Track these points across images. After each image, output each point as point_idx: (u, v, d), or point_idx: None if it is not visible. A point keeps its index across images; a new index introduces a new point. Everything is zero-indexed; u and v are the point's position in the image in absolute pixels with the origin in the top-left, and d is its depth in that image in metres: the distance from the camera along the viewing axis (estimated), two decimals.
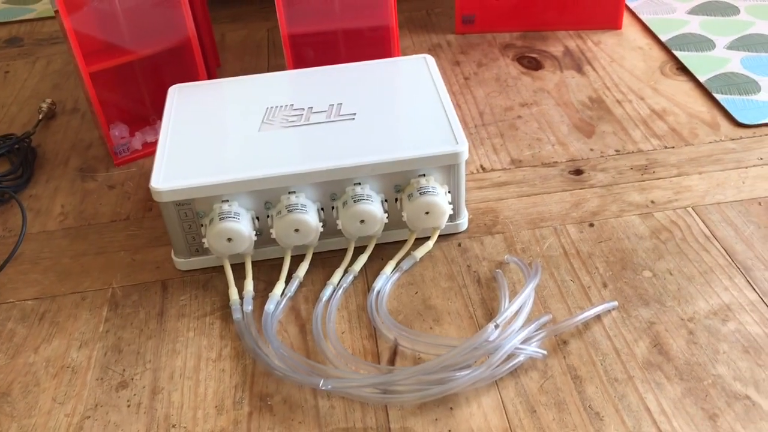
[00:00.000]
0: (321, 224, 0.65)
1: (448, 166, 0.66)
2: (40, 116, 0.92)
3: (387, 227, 0.67)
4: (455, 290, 0.64)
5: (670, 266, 0.65)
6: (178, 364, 0.60)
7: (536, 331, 0.58)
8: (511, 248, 0.68)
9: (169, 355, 0.60)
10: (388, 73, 0.78)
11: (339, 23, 0.86)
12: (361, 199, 0.64)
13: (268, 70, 1.00)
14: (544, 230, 0.70)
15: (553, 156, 0.79)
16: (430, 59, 0.78)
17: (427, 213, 0.65)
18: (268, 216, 0.66)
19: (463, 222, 0.70)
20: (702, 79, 0.89)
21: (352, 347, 0.60)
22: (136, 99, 0.86)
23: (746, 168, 0.75)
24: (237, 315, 0.62)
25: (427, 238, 0.68)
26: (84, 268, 0.70)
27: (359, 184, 0.66)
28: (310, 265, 0.66)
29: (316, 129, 0.69)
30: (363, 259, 0.67)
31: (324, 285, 0.65)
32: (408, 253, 0.67)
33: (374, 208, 0.65)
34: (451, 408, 0.55)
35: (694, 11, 1.05)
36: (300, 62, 0.85)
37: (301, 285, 0.66)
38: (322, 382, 0.54)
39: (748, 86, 0.87)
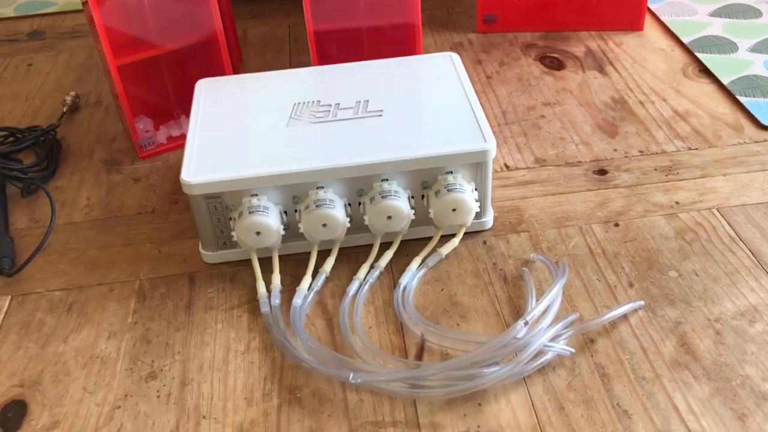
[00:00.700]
0: (348, 219, 0.66)
1: (475, 164, 0.66)
2: (65, 109, 0.92)
3: (413, 224, 0.67)
4: (481, 287, 0.65)
5: (696, 267, 0.65)
6: (207, 355, 0.60)
7: (564, 329, 0.59)
8: (537, 247, 0.68)
9: (198, 347, 0.61)
10: (414, 70, 0.78)
11: (363, 20, 0.86)
12: (388, 196, 0.65)
13: (290, 66, 1.01)
14: (569, 229, 0.70)
15: (576, 156, 0.80)
16: (456, 57, 0.79)
17: (454, 210, 0.66)
18: (296, 210, 0.66)
19: (489, 220, 0.70)
20: (725, 81, 0.90)
21: (379, 342, 0.60)
22: (160, 93, 0.86)
23: None
24: (265, 308, 0.62)
25: (453, 236, 0.68)
26: (111, 259, 0.70)
27: (386, 180, 0.66)
28: (336, 260, 0.67)
29: (343, 125, 0.69)
30: (389, 254, 0.67)
31: (350, 280, 0.65)
32: (434, 250, 0.68)
33: (401, 204, 0.65)
34: (479, 404, 0.55)
35: (716, 13, 1.05)
36: (324, 59, 0.86)
37: (327, 280, 0.66)
38: (351, 375, 0.55)
39: None
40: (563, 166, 0.78)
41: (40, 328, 0.64)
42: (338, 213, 0.64)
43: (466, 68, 0.95)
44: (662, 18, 1.05)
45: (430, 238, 0.69)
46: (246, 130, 0.70)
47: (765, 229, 0.68)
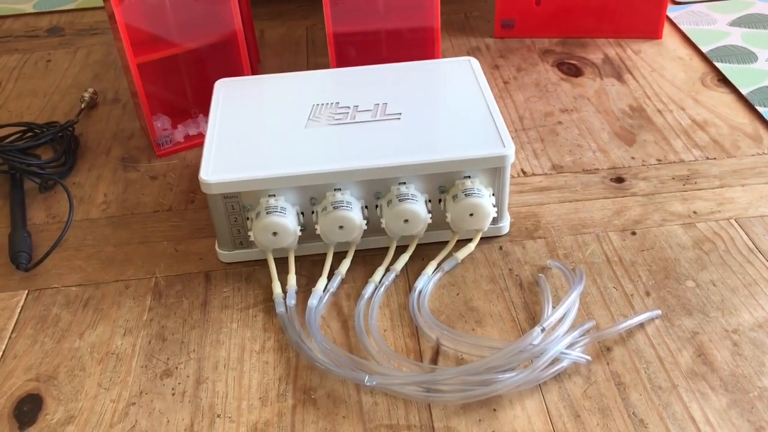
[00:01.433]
0: (365, 222, 0.66)
1: (493, 169, 0.66)
2: (82, 105, 0.93)
3: (429, 227, 0.67)
4: (497, 293, 0.64)
5: (714, 277, 0.65)
6: (222, 354, 0.60)
7: (580, 336, 0.58)
8: (553, 253, 0.68)
9: (213, 346, 0.61)
10: (433, 74, 0.78)
11: (382, 23, 0.86)
12: (406, 199, 0.65)
13: (308, 68, 1.01)
14: (586, 236, 0.70)
15: (594, 163, 0.79)
16: (474, 61, 0.79)
17: (471, 215, 0.66)
18: (313, 212, 0.66)
19: (505, 225, 0.70)
20: (744, 91, 0.89)
21: (394, 345, 0.60)
22: (179, 91, 0.87)
23: None
24: (280, 308, 0.62)
25: (469, 240, 0.68)
26: (127, 256, 0.71)
27: (404, 183, 0.66)
28: (351, 262, 0.67)
29: (362, 127, 0.69)
30: (405, 258, 0.67)
31: (365, 282, 0.65)
32: (450, 254, 0.68)
33: (419, 207, 0.65)
34: (494, 409, 0.55)
35: (735, 23, 1.05)
36: (343, 61, 0.86)
37: (342, 282, 0.66)
38: (367, 377, 0.55)
39: None
40: (580, 173, 0.78)
41: (56, 323, 0.64)
42: (355, 215, 0.64)
43: (483, 73, 0.96)
44: (681, 26, 1.04)
45: (446, 243, 0.69)
46: (264, 130, 0.70)
47: None
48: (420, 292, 0.64)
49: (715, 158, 0.79)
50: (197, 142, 0.85)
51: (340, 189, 0.65)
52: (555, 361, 0.56)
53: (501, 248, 0.69)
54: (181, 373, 0.59)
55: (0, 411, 0.56)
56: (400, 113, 0.71)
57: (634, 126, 0.85)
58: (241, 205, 0.65)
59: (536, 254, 0.68)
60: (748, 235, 0.69)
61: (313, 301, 0.63)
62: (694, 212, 0.72)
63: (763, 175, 0.76)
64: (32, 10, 1.21)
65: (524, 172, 0.79)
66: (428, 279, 0.65)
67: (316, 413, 0.55)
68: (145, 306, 0.65)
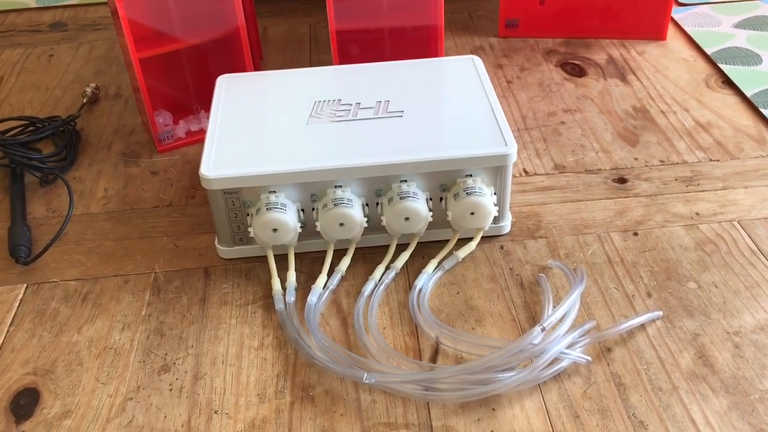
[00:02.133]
0: (365, 219, 0.65)
1: (495, 168, 0.66)
2: (84, 100, 0.93)
3: (430, 226, 0.67)
4: (497, 292, 0.64)
5: (716, 279, 0.64)
6: (221, 350, 0.60)
7: (580, 337, 0.58)
8: (554, 253, 0.68)
9: (212, 342, 0.61)
10: (436, 72, 0.78)
11: (386, 21, 0.86)
12: (407, 197, 0.64)
13: (310, 65, 1.01)
14: (587, 237, 0.69)
15: (596, 163, 0.79)
16: (478, 60, 0.78)
17: (472, 213, 0.65)
18: (313, 209, 0.66)
19: (507, 224, 0.70)
20: (748, 93, 0.89)
21: (393, 343, 0.60)
22: (180, 87, 0.86)
23: None
24: (279, 305, 0.62)
25: (470, 239, 0.68)
26: (127, 251, 0.70)
27: (405, 181, 0.66)
28: (351, 259, 0.66)
29: (363, 125, 0.69)
30: (405, 256, 0.67)
31: (365, 280, 0.65)
32: (450, 253, 0.67)
33: (420, 206, 0.65)
34: (493, 409, 0.54)
35: (740, 25, 1.04)
36: (345, 58, 0.86)
37: (342, 279, 0.66)
38: (365, 375, 0.54)
39: None
40: (583, 173, 0.78)
41: (55, 317, 0.64)
42: (356, 212, 0.64)
43: (486, 72, 0.95)
44: (686, 28, 1.04)
45: (447, 241, 0.68)
46: (266, 126, 0.70)
47: None
48: (420, 290, 0.64)
49: (718, 160, 0.79)
50: (198, 137, 0.85)
51: (341, 186, 0.65)
52: (555, 361, 0.56)
53: (502, 247, 0.69)
54: (179, 369, 0.59)
55: None
56: (402, 111, 0.70)
57: (637, 127, 0.84)
58: (242, 201, 0.65)
59: (537, 254, 0.68)
60: (750, 237, 0.68)
61: (312, 298, 0.62)
62: (697, 214, 0.71)
63: (766, 178, 0.76)
64: (35, 5, 1.21)
65: (526, 172, 0.78)
66: (428, 277, 0.65)
67: (314, 410, 0.55)
68: (143, 301, 0.65)
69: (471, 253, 0.67)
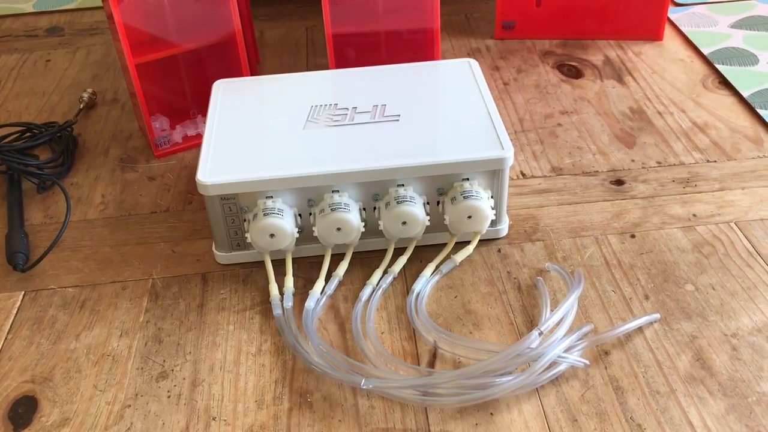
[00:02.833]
0: (363, 224, 0.65)
1: (492, 171, 0.66)
2: (81, 106, 0.93)
3: (427, 230, 0.67)
4: (495, 296, 0.64)
5: (713, 281, 0.64)
6: (218, 357, 0.60)
7: (578, 340, 0.58)
8: (552, 256, 0.68)
9: (209, 348, 0.61)
10: (432, 75, 0.78)
11: (382, 24, 0.86)
12: (404, 201, 0.64)
13: (307, 68, 1.01)
14: (585, 239, 0.69)
15: (593, 165, 0.79)
16: (474, 63, 0.78)
17: (469, 217, 0.65)
18: (310, 214, 0.66)
19: (504, 228, 0.70)
20: (745, 94, 0.89)
21: (391, 348, 0.60)
22: (177, 92, 0.86)
23: None
24: (277, 311, 0.62)
25: (467, 243, 0.68)
26: (124, 257, 0.70)
27: (402, 185, 0.66)
28: (349, 264, 0.66)
29: (360, 129, 0.69)
30: (402, 260, 0.67)
31: (363, 285, 0.65)
32: (448, 257, 0.67)
33: (417, 210, 0.65)
34: (491, 413, 0.54)
35: (736, 25, 1.04)
36: (342, 62, 0.86)
37: (340, 284, 0.66)
38: (363, 381, 0.54)
39: None
40: (580, 175, 0.78)
41: (53, 325, 0.64)
42: (353, 217, 0.64)
43: (483, 75, 0.95)
44: (682, 28, 1.04)
45: (444, 245, 0.68)
46: (262, 131, 0.70)
47: None
48: (418, 294, 0.64)
49: (715, 161, 0.79)
50: (196, 142, 0.85)
51: (338, 191, 0.65)
52: (552, 364, 0.56)
53: (499, 251, 0.69)
54: (177, 376, 0.59)
55: None
56: (399, 115, 0.70)
57: (634, 128, 0.85)
58: (239, 206, 0.65)
59: (535, 257, 0.68)
60: (747, 239, 0.68)
61: (310, 303, 0.62)
62: (694, 215, 0.72)
63: (763, 178, 0.76)
64: (32, 10, 1.21)
65: (523, 174, 0.78)
66: (426, 281, 0.65)
67: (312, 417, 0.55)
68: (141, 307, 0.65)
69: (468, 256, 0.68)
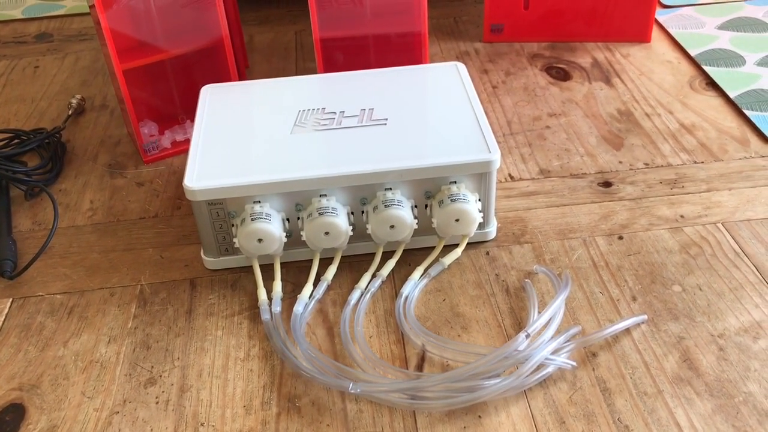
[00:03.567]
0: (351, 228, 0.65)
1: (479, 174, 0.66)
2: (70, 112, 0.92)
3: (415, 233, 0.67)
4: (483, 298, 0.64)
5: (700, 282, 0.65)
6: (207, 362, 0.60)
7: (566, 342, 0.58)
8: (540, 258, 0.68)
9: (198, 354, 0.61)
10: (420, 79, 0.78)
11: (370, 28, 0.86)
12: (391, 205, 0.64)
13: (296, 72, 1.01)
14: (572, 241, 0.70)
15: (581, 167, 0.79)
16: (462, 66, 0.79)
17: (457, 220, 0.65)
18: (298, 218, 0.66)
19: (492, 230, 0.70)
20: (732, 95, 0.89)
21: (379, 352, 0.60)
22: (165, 98, 0.86)
23: None
24: (265, 316, 0.62)
25: (456, 246, 0.68)
26: (112, 264, 0.70)
27: (390, 189, 0.66)
28: (337, 268, 0.67)
29: (347, 133, 0.69)
30: (391, 264, 0.67)
31: (351, 288, 0.65)
32: (436, 260, 0.67)
33: (405, 213, 0.65)
34: (479, 416, 0.55)
35: (723, 27, 1.05)
36: (330, 66, 0.86)
37: (328, 288, 0.66)
38: (351, 385, 0.54)
39: None
40: (568, 177, 0.78)
41: (41, 332, 0.63)
42: (341, 221, 0.64)
43: (472, 78, 0.95)
44: (670, 30, 1.04)
45: (432, 248, 0.68)
46: (250, 136, 0.70)
47: None
48: (406, 298, 0.64)
49: (702, 162, 0.79)
50: (184, 148, 0.85)
51: (325, 195, 0.65)
52: (540, 367, 0.56)
53: (488, 253, 0.69)
54: (165, 382, 0.58)
55: None
56: (387, 119, 0.71)
57: (622, 130, 0.85)
58: (226, 211, 0.65)
59: (523, 259, 0.68)
60: (734, 240, 0.69)
61: (298, 308, 0.62)
62: (681, 216, 0.72)
63: (750, 179, 0.76)
64: (21, 16, 1.21)
65: (512, 177, 0.79)
66: (414, 285, 0.65)
67: (301, 421, 0.55)
68: (129, 314, 0.65)
69: (457, 259, 0.68)
